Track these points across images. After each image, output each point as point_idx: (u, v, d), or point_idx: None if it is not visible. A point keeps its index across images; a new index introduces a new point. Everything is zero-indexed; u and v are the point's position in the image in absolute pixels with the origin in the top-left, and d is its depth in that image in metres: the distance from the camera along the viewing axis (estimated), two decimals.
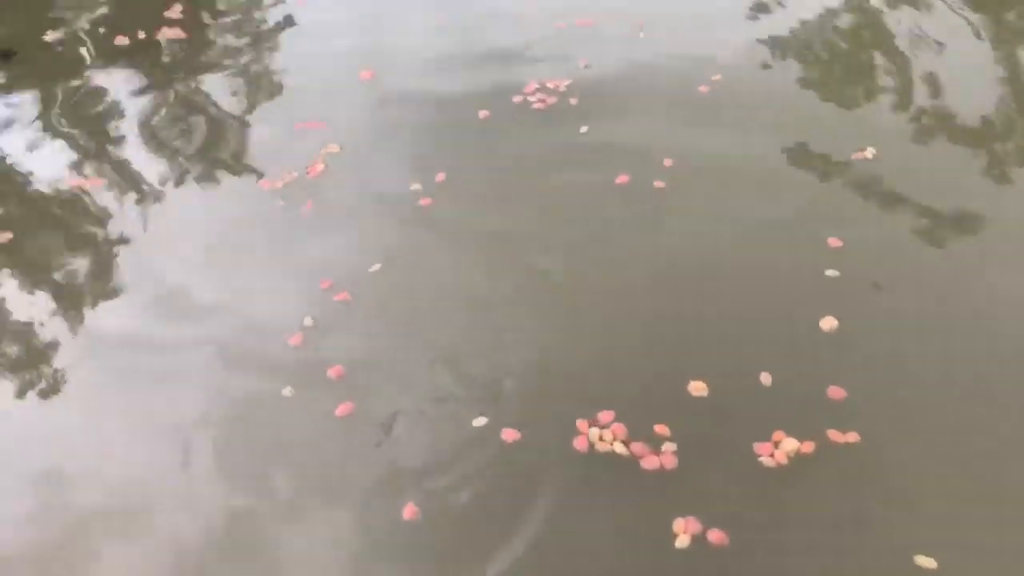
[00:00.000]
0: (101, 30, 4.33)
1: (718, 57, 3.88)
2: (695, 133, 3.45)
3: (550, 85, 3.78)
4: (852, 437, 2.32)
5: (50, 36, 4.29)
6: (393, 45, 4.15)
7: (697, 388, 2.48)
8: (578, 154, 3.40)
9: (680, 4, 4.44)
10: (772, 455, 2.30)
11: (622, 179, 3.23)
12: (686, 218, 3.07)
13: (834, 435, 2.33)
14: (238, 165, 3.54)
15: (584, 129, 3.52)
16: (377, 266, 2.97)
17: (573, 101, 3.68)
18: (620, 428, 2.39)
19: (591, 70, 3.87)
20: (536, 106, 3.67)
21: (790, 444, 2.30)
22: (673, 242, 2.98)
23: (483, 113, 3.63)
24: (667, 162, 3.28)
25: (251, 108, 3.85)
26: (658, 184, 3.20)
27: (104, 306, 2.98)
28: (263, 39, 4.31)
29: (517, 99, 3.71)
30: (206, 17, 4.46)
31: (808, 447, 2.30)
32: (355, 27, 4.33)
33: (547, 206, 3.16)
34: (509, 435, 2.41)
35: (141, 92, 3.94)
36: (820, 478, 2.25)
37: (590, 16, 4.24)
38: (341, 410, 2.51)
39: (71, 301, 3.01)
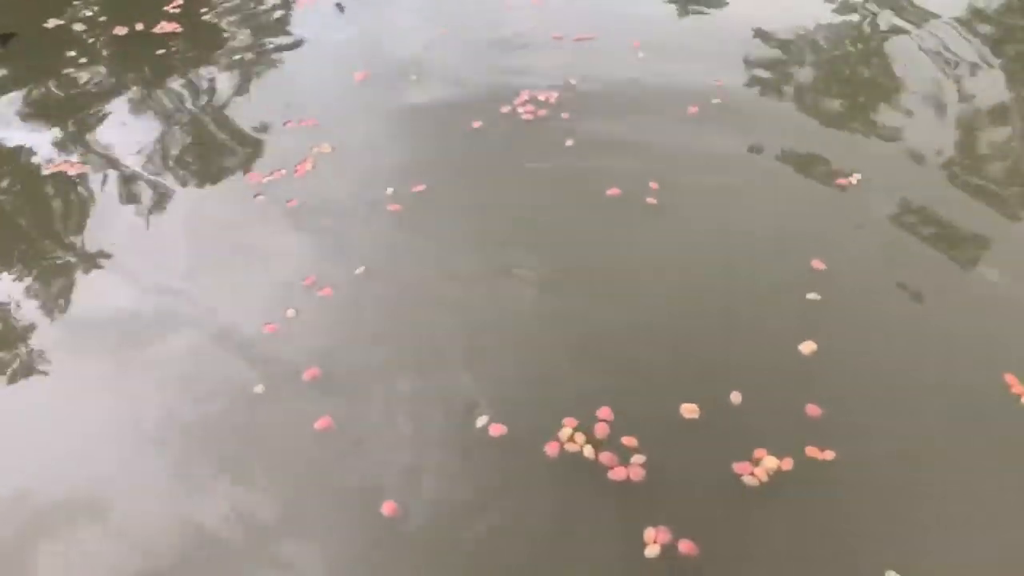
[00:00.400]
0: (102, 19, 4.33)
1: (713, 79, 3.93)
2: (684, 153, 3.48)
3: (541, 98, 3.81)
4: (829, 455, 2.32)
5: (51, 23, 4.27)
6: (388, 49, 4.17)
7: (683, 407, 2.45)
8: (564, 167, 3.41)
9: (680, 25, 4.50)
10: (752, 472, 2.28)
11: (613, 191, 3.24)
12: (669, 235, 3.07)
13: (812, 451, 2.33)
14: (225, 159, 3.53)
15: (570, 143, 3.53)
16: (361, 268, 2.95)
17: (564, 115, 3.71)
18: (593, 434, 2.37)
19: (585, 85, 3.90)
20: (525, 117, 3.69)
21: (770, 462, 2.29)
22: (655, 258, 2.98)
23: (474, 123, 3.65)
24: (653, 183, 3.29)
25: (243, 104, 3.84)
26: (648, 200, 3.21)
27: (80, 294, 2.94)
28: (258, 35, 4.32)
29: (506, 109, 3.73)
30: (204, 12, 4.47)
31: (787, 463, 2.29)
32: (352, 29, 4.36)
33: (530, 216, 3.16)
34: (487, 437, 2.39)
35: (134, 83, 3.92)
36: (796, 493, 2.24)
37: (590, 32, 4.29)
38: (320, 423, 2.45)
39: (44, 288, 2.96)
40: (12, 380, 2.66)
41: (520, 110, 3.74)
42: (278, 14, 4.49)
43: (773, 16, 4.48)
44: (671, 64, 4.06)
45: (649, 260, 2.97)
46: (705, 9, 4.65)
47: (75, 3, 4.48)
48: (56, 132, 3.67)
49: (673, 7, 4.67)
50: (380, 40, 4.24)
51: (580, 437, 2.37)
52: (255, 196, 3.29)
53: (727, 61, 4.10)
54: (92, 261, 3.05)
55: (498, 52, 4.16)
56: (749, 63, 4.10)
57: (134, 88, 3.91)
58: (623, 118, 3.67)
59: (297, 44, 4.31)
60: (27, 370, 2.69)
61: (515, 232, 3.09)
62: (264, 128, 3.70)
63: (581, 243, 3.04)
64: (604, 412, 2.43)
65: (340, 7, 4.51)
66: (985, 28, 4.41)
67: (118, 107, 3.81)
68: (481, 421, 2.43)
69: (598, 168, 3.38)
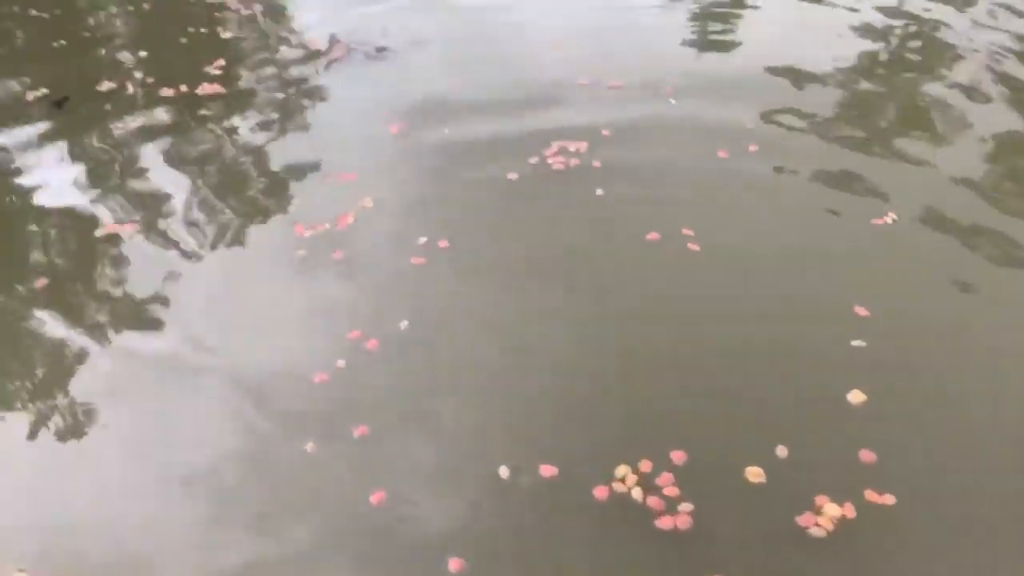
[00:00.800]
0: (150, 80, 4.50)
1: (747, 125, 3.98)
2: (719, 197, 3.52)
3: (572, 148, 3.87)
4: (888, 499, 2.31)
5: (104, 86, 4.46)
6: (420, 100, 4.28)
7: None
8: (599, 215, 3.45)
9: (713, 69, 4.56)
10: (817, 523, 2.28)
11: (651, 236, 3.28)
12: (709, 282, 3.10)
13: (871, 496, 2.32)
14: (269, 214, 3.61)
15: (600, 192, 3.57)
16: (405, 322, 2.99)
17: (595, 164, 3.76)
18: (643, 480, 2.39)
19: (617, 133, 3.96)
20: (556, 167, 3.75)
21: (832, 509, 2.29)
22: (696, 305, 3.01)
23: (509, 174, 3.71)
24: (689, 228, 3.33)
25: (283, 159, 3.94)
26: (689, 246, 3.23)
27: (132, 344, 3.00)
28: (296, 93, 4.45)
29: (535, 160, 3.78)
30: (243, 73, 4.62)
31: (848, 510, 2.28)
32: (385, 81, 4.48)
33: (569, 264, 3.20)
34: (536, 481, 2.40)
35: (179, 142, 4.05)
36: (862, 540, 2.23)
37: (621, 79, 4.37)
38: (374, 497, 2.44)
39: (100, 339, 3.03)
40: (53, 431, 2.71)
41: (551, 160, 3.81)
42: (313, 71, 4.63)
43: (788, 53, 4.57)
44: (705, 109, 4.10)
45: (689, 307, 3.00)
46: (722, 48, 4.76)
47: (126, 67, 4.65)
48: (105, 191, 3.78)
49: (692, 49, 4.77)
50: (412, 92, 4.35)
51: (630, 480, 2.39)
52: (298, 250, 3.36)
53: (754, 100, 4.15)
54: (140, 315, 3.12)
55: (528, 101, 4.23)
56: (784, 106, 4.14)
57: (179, 147, 4.04)
58: (656, 167, 3.72)
59: (333, 98, 4.42)
60: (72, 421, 2.74)
61: (555, 278, 3.13)
62: (305, 182, 3.79)
63: (621, 288, 3.07)
64: (650, 462, 2.45)
65: (381, 50, 4.63)
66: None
67: (163, 165, 3.92)
68: (530, 466, 2.44)
69: (632, 214, 3.43)
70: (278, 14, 5.34)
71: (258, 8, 5.31)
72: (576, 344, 2.86)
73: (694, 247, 3.25)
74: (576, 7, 5.27)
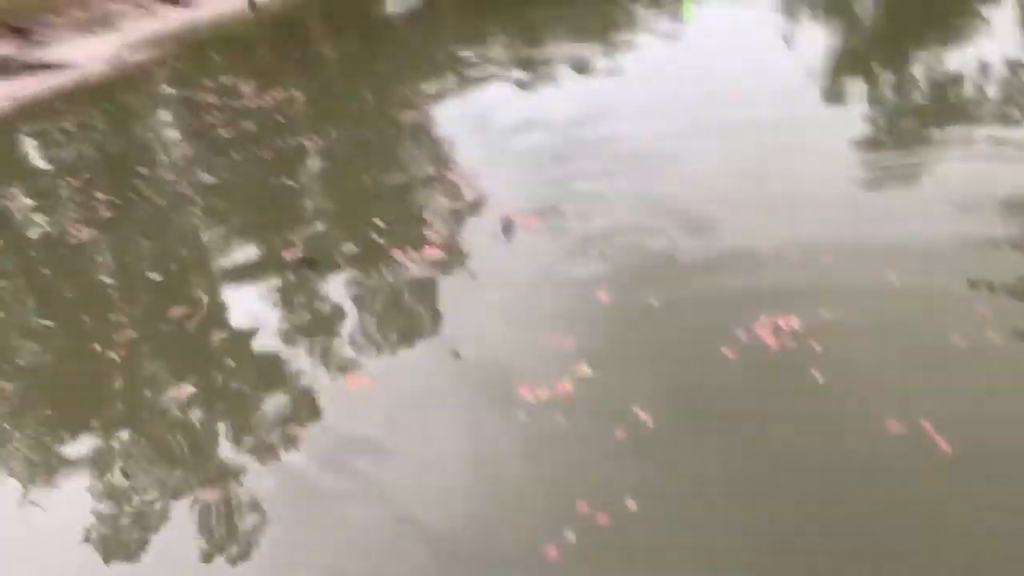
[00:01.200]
0: (381, 241, 5.11)
1: (980, 306, 3.80)
2: (961, 397, 3.33)
3: (783, 325, 3.88)
4: None
5: (345, 249, 5.11)
6: (629, 266, 4.48)
7: None
8: (820, 411, 3.32)
9: (934, 235, 4.41)
10: None
11: (894, 428, 3.16)
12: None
13: None
14: (488, 375, 3.84)
15: (821, 379, 3.49)
16: (632, 501, 3.01)
17: (816, 346, 3.72)
18: None
19: (833, 314, 3.89)
20: (771, 346, 3.73)
21: None
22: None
23: (724, 349, 3.75)
24: (926, 422, 3.18)
25: (503, 322, 4.22)
26: (941, 448, 3.05)
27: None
28: (511, 255, 4.83)
29: (745, 334, 3.78)
30: (462, 241, 5.10)
31: None
32: (588, 249, 4.75)
33: (794, 467, 3.12)
34: None
35: (398, 314, 4.49)
36: None
37: (832, 255, 4.33)
38: None
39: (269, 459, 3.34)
40: (231, 558, 2.94)
41: (760, 333, 3.81)
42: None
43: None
44: (932, 290, 3.96)
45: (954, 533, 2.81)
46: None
47: (370, 234, 5.27)
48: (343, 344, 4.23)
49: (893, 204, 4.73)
50: (623, 267, 4.53)
51: None
52: (519, 411, 3.53)
53: (1000, 284, 3.97)
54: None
55: (739, 273, 4.29)
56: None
57: (411, 306, 4.47)
58: (883, 355, 3.60)
59: (536, 266, 4.73)
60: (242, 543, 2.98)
61: (782, 472, 3.07)
62: (520, 343, 4.02)
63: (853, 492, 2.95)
64: None
65: (508, 229, 4.93)
66: None
67: (409, 324, 4.35)
68: None
69: (872, 412, 3.28)
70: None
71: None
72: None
73: (946, 448, 3.07)
74: (757, 154, 5.50)
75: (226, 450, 3.61)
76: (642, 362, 3.78)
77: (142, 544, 3.17)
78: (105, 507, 3.39)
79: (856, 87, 7.24)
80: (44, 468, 3.69)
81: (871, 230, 4.58)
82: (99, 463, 3.64)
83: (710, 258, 4.47)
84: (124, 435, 3.80)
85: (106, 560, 3.14)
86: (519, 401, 3.60)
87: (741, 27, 9.95)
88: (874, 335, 3.74)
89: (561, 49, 9.56)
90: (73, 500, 3.46)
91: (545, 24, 11.19)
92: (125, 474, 3.52)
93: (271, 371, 4.09)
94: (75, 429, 3.91)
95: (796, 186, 5.19)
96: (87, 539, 3.24)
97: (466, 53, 10.13)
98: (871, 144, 5.91)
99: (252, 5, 19.66)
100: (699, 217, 4.87)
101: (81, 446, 3.78)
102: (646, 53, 9.09)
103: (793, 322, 3.88)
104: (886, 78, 7.53)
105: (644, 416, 3.42)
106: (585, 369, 3.75)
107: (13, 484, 3.62)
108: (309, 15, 19.20)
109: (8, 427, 4.00)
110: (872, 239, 4.47)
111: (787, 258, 4.37)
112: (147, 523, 3.26)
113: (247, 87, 9.79)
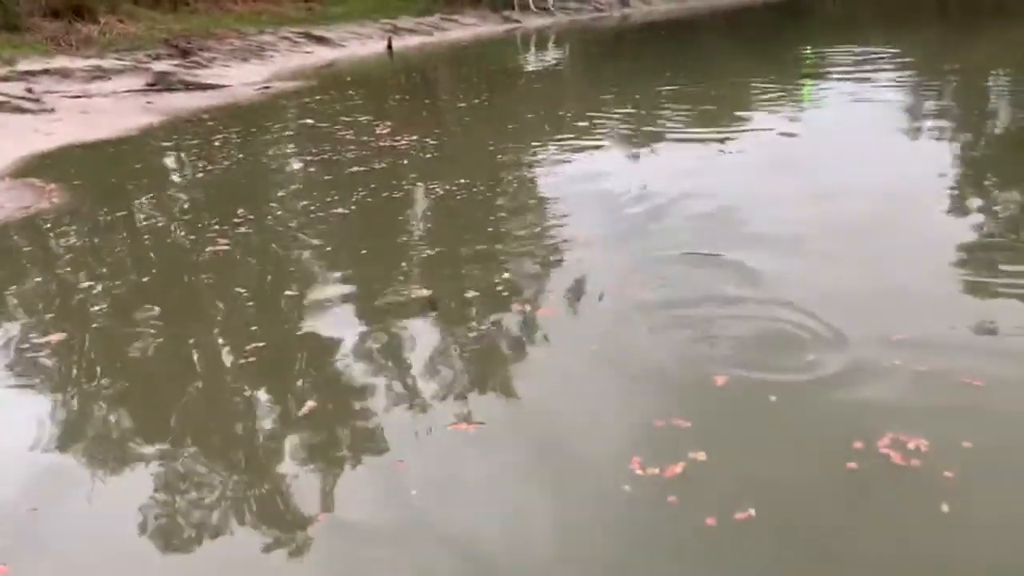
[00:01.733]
0: (504, 293, 5.29)
1: None
2: None
3: (911, 445, 3.69)
4: None
5: (469, 294, 5.29)
6: (733, 354, 4.45)
7: None
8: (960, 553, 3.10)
9: None
10: None
11: None
12: None
13: None
14: (602, 454, 3.79)
15: (946, 509, 3.26)
16: None
17: (947, 475, 3.51)
18: None
19: (969, 440, 3.66)
20: (895, 461, 3.56)
21: None
22: None
23: (849, 464, 3.58)
24: None
25: (603, 400, 4.22)
26: None
27: None
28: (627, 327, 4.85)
29: (864, 447, 3.60)
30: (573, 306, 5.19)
31: None
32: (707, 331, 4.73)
33: None
34: None
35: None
36: None
37: (978, 377, 4.11)
38: None
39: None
40: None
41: (885, 451, 3.65)
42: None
43: None
44: None
45: None
46: None
47: (495, 282, 5.42)
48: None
49: None
50: (743, 356, 4.47)
51: None
52: (624, 487, 3.49)
53: None
54: None
55: (859, 385, 4.15)
56: None
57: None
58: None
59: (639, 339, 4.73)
60: None
61: None
62: (630, 424, 3.99)
63: None
64: None
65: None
66: None
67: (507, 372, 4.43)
68: None
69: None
70: None
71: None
72: None
73: None
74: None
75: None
76: (759, 457, 3.68)
77: None
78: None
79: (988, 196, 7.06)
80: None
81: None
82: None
83: (836, 365, 4.33)
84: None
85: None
86: (628, 474, 3.56)
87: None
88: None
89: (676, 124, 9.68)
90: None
91: (671, 98, 11.45)
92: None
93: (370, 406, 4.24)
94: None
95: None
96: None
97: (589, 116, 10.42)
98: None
99: (390, 50, 20.90)
100: (827, 319, 4.75)
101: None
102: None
103: (922, 443, 3.70)
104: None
105: (749, 510, 3.31)
106: (700, 455, 3.68)
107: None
108: (441, 63, 20.15)
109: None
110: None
111: (921, 372, 4.19)
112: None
113: (383, 129, 10.33)
